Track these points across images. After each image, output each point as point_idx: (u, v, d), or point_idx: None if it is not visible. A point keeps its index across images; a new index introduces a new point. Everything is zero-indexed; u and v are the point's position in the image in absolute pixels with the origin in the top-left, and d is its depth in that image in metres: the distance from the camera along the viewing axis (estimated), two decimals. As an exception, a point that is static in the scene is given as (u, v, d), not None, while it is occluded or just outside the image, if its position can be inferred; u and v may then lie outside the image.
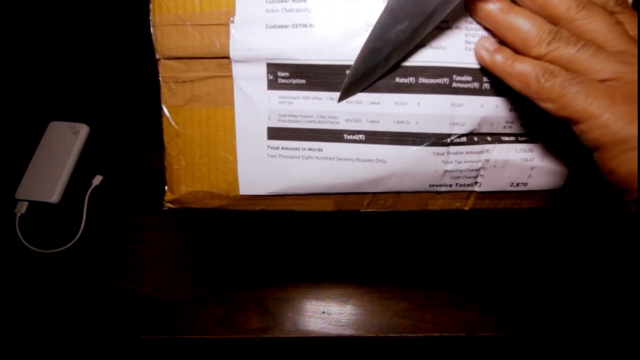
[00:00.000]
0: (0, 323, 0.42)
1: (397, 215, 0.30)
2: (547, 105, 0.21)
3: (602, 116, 0.20)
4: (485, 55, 0.24)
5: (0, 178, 0.48)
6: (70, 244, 0.45)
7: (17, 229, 0.46)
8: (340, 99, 0.26)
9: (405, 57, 0.25)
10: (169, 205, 0.29)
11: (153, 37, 0.26)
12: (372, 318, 0.42)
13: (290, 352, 0.46)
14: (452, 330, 0.41)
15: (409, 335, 0.41)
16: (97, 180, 0.48)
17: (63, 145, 0.49)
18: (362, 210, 0.30)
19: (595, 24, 0.21)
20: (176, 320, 0.42)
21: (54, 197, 0.47)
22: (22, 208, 0.47)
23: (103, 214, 0.47)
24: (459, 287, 0.43)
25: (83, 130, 0.50)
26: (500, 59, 0.23)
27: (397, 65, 0.25)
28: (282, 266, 0.44)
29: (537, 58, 0.22)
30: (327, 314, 0.42)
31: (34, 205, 0.47)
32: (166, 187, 0.28)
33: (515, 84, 0.22)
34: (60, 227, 0.46)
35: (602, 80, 0.20)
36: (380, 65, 0.24)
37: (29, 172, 0.48)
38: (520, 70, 0.22)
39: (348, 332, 0.41)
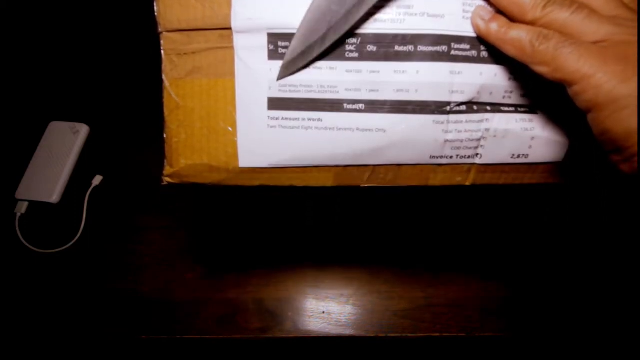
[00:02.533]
0: (1, 323, 0.42)
1: (397, 215, 0.30)
2: (542, 69, 0.22)
3: (595, 76, 0.20)
4: (480, 24, 0.24)
5: (0, 178, 0.48)
6: (70, 244, 0.45)
7: (17, 229, 0.46)
8: (279, 77, 0.26)
9: (344, 38, 0.25)
10: (168, 179, 0.28)
11: (156, 10, 0.26)
12: (372, 318, 0.42)
13: (290, 352, 0.46)
14: (452, 330, 0.41)
15: (409, 335, 0.41)
16: (97, 180, 0.48)
17: (63, 145, 0.49)
18: (362, 186, 0.29)
19: None
20: (176, 320, 0.42)
21: (54, 197, 0.47)
22: (22, 208, 0.47)
23: (103, 214, 0.47)
24: (459, 287, 0.43)
25: (83, 130, 0.50)
26: (495, 27, 0.23)
27: (334, 47, 0.25)
28: (282, 266, 0.44)
29: (532, 23, 0.22)
30: (327, 314, 0.42)
31: (34, 205, 0.47)
32: (165, 161, 0.28)
33: (510, 50, 0.23)
34: (60, 227, 0.46)
35: (595, 42, 0.21)
36: (317, 45, 0.25)
37: (29, 172, 0.48)
38: (515, 37, 0.22)
39: (348, 332, 0.41)
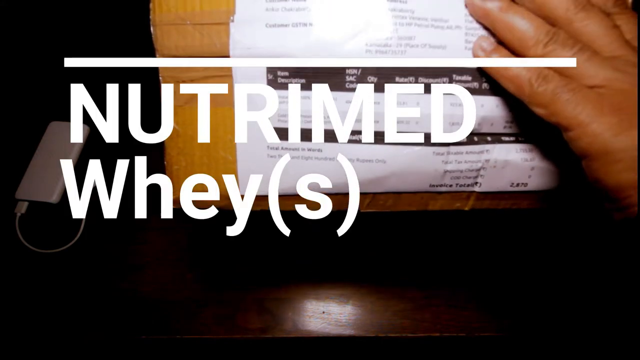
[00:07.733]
0: (1, 323, 0.41)
1: (398, 215, 0.30)
2: (539, 111, 0.22)
3: (590, 125, 0.20)
4: (481, 55, 0.24)
5: (0, 178, 0.48)
6: (70, 244, 0.45)
7: (17, 229, 0.46)
8: None
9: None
10: None
11: (153, 36, 0.26)
12: (372, 318, 0.42)
13: (290, 352, 0.46)
14: (452, 330, 0.41)
15: (409, 335, 0.41)
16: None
17: (63, 145, 0.49)
18: (362, 211, 0.29)
19: (592, 27, 0.21)
20: (176, 320, 0.42)
21: (54, 197, 0.47)
22: (22, 208, 0.47)
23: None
24: (459, 287, 0.43)
25: (83, 130, 0.50)
26: None
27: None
28: (282, 266, 0.44)
29: None
30: (327, 314, 0.42)
31: (34, 205, 0.47)
32: None
33: (509, 86, 0.23)
34: (60, 227, 0.46)
35: (593, 87, 0.20)
36: None
37: (29, 172, 0.48)
38: (515, 73, 0.22)
39: (348, 332, 0.41)
